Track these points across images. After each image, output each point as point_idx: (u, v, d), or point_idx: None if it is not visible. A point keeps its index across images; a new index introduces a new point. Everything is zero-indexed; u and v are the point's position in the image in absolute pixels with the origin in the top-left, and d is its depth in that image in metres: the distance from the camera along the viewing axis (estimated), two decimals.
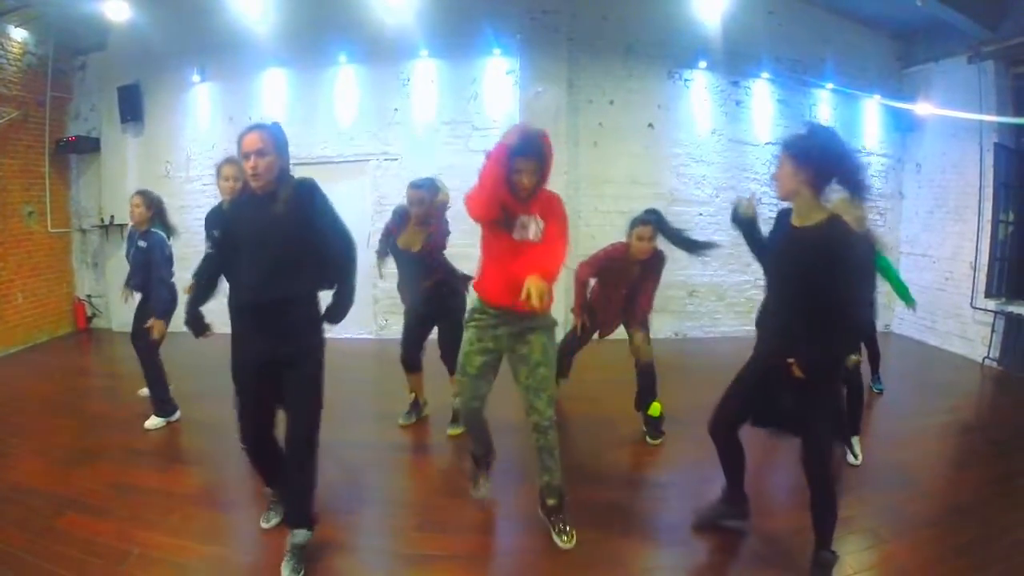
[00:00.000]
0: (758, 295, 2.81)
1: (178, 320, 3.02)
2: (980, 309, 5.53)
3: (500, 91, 5.99)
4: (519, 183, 2.31)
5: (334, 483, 2.90)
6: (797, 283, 2.12)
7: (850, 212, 2.17)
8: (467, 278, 3.21)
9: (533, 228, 2.36)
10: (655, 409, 3.55)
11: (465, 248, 3.14)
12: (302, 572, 2.25)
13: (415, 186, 3.38)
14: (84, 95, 6.59)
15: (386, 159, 6.16)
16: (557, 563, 2.39)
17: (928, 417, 4.08)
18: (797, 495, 2.32)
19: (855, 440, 3.27)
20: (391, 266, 3.64)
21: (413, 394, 3.82)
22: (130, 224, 3.90)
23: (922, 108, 6.02)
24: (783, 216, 2.23)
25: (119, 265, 5.61)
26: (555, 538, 2.51)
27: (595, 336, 3.72)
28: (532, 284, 2.10)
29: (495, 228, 2.38)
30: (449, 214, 3.45)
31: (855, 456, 3.24)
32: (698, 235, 6.16)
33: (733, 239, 6.02)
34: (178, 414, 3.83)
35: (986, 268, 5.50)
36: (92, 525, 2.57)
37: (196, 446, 3.58)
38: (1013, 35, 4.96)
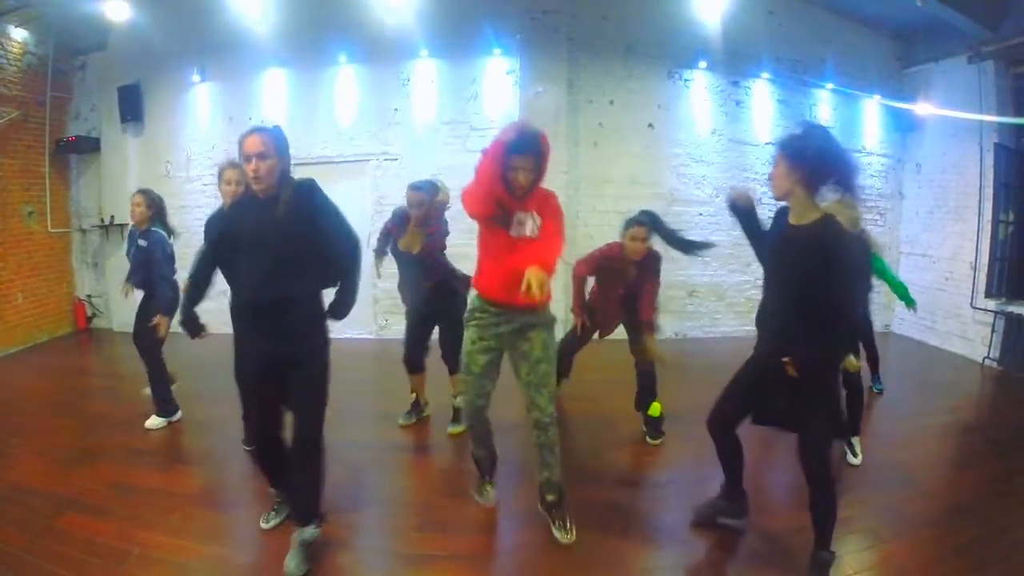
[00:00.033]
0: (758, 295, 2.81)
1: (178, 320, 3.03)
2: (980, 309, 5.53)
3: (500, 91, 5.99)
4: (515, 180, 2.31)
5: (334, 483, 2.88)
6: (794, 282, 2.12)
7: (844, 213, 2.17)
8: (466, 278, 3.22)
9: (530, 225, 2.36)
10: (655, 409, 3.55)
11: (464, 248, 3.14)
12: (308, 567, 2.26)
13: (415, 188, 3.38)
14: (84, 95, 6.59)
15: (386, 159, 6.16)
16: (557, 562, 2.40)
17: (928, 417, 4.08)
18: (797, 494, 2.32)
19: (855, 440, 3.28)
20: (388, 266, 3.64)
21: (414, 394, 3.82)
22: (131, 223, 3.90)
23: (922, 108, 6.02)
24: (781, 215, 2.24)
25: (119, 265, 5.61)
26: (555, 533, 2.53)
27: (595, 336, 3.72)
28: (532, 274, 2.10)
29: (492, 225, 2.38)
30: (448, 213, 3.45)
31: (855, 456, 3.24)
32: (698, 235, 6.22)
33: (733, 239, 6.11)
34: (179, 414, 3.83)
35: (986, 268, 5.50)
36: (92, 525, 2.57)
37: (196, 446, 3.58)
38: (1013, 35, 4.96)
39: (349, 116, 6.18)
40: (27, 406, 4.24)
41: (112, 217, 6.50)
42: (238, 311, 2.34)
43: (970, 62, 5.41)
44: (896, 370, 5.13)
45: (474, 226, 2.48)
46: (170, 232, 3.73)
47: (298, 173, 2.35)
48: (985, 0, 5.01)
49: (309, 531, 2.32)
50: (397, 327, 5.64)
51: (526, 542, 2.58)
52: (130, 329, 3.88)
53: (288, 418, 2.38)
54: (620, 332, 3.64)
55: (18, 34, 5.81)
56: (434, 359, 3.73)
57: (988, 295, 5.47)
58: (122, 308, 6.45)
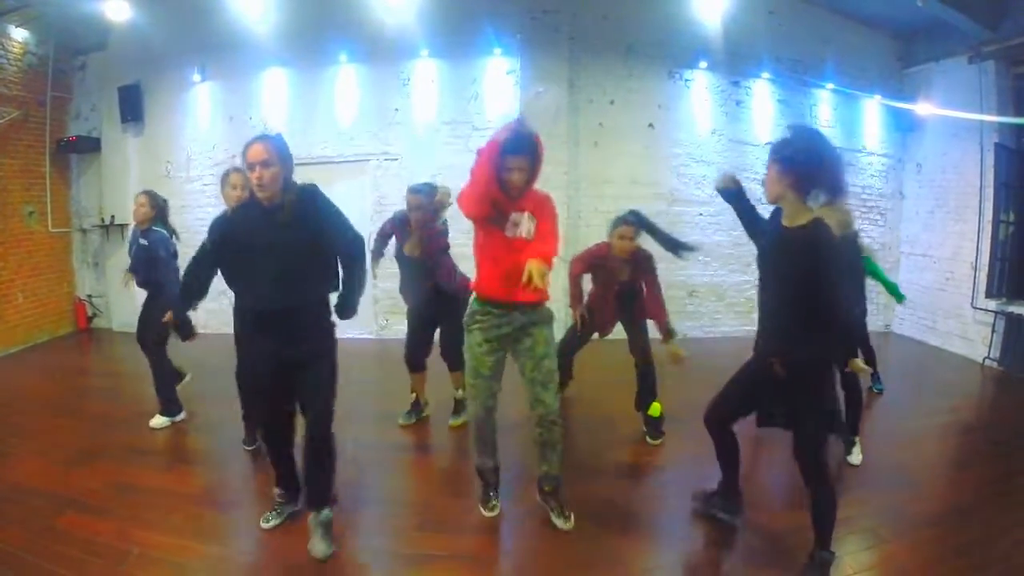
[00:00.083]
0: None
1: None
2: (980, 309, 5.53)
3: (501, 91, 5.99)
4: (510, 180, 2.33)
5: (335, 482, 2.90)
6: (786, 283, 2.15)
7: (834, 215, 2.18)
8: (465, 279, 3.23)
9: (526, 226, 2.38)
10: (655, 409, 3.56)
11: (463, 248, 3.14)
12: (333, 545, 2.37)
13: (413, 191, 3.41)
14: (84, 95, 6.59)
15: (386, 159, 6.16)
16: (557, 562, 2.40)
17: (928, 417, 4.08)
18: (797, 494, 2.32)
19: (855, 440, 3.28)
20: (388, 266, 3.65)
21: (414, 394, 3.82)
22: (133, 223, 3.90)
23: (922, 108, 6.02)
24: (775, 216, 2.26)
25: (119, 265, 5.61)
26: (554, 520, 2.57)
27: (594, 336, 3.73)
28: (533, 266, 2.13)
29: (488, 226, 2.40)
30: (448, 213, 3.45)
31: (854, 456, 3.24)
32: (698, 235, 6.26)
33: (733, 239, 6.12)
34: (183, 414, 3.84)
35: (986, 268, 5.49)
36: (92, 525, 2.57)
37: (197, 446, 3.59)
38: (1014, 35, 4.96)
39: (349, 116, 6.18)
40: (27, 406, 4.24)
41: (112, 217, 6.51)
42: (243, 314, 2.36)
43: (971, 62, 5.41)
44: (896, 370, 5.13)
45: (473, 226, 2.48)
46: (171, 232, 3.74)
47: (298, 173, 2.37)
48: (986, 0, 5.01)
49: (325, 513, 2.41)
50: (397, 327, 5.65)
51: (526, 541, 2.59)
52: (131, 329, 3.89)
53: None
54: (620, 332, 3.64)
55: (19, 34, 5.82)
56: (434, 358, 3.73)
57: (988, 295, 5.46)
58: (122, 308, 6.46)
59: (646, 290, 3.50)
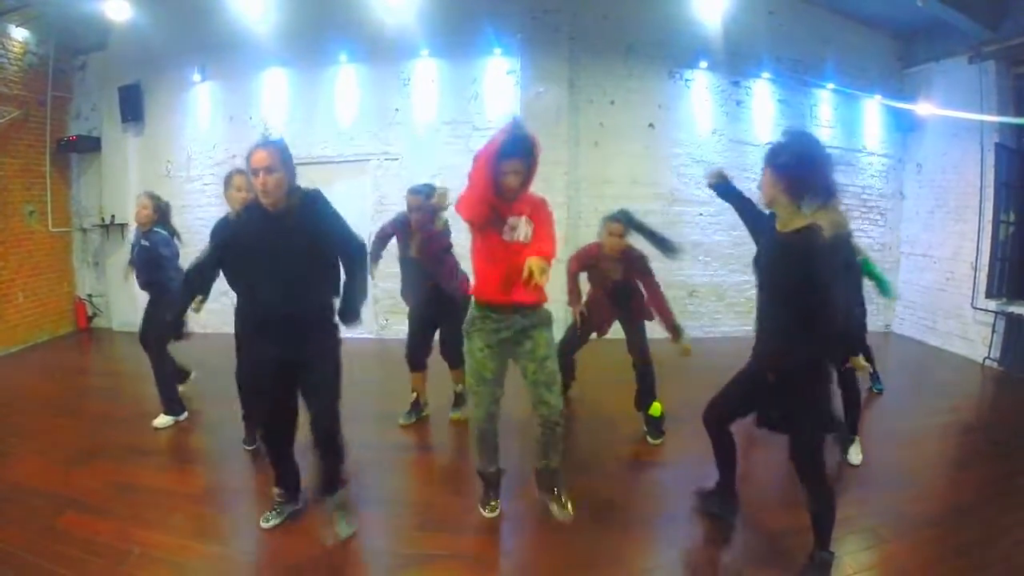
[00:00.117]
0: None
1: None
2: (981, 309, 5.52)
3: (501, 91, 5.99)
4: (505, 183, 2.35)
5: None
6: (780, 287, 2.17)
7: (827, 216, 2.19)
8: (467, 280, 3.23)
9: (523, 229, 2.40)
10: (656, 409, 3.56)
11: (465, 249, 3.14)
12: (354, 526, 2.50)
13: (414, 192, 3.41)
14: (85, 94, 6.59)
15: (386, 159, 6.16)
16: (557, 561, 2.40)
17: (929, 417, 4.08)
18: (797, 494, 2.31)
19: (855, 441, 3.28)
20: (388, 266, 3.66)
21: (415, 394, 3.82)
22: (135, 225, 3.90)
23: (923, 108, 6.02)
24: (771, 219, 2.27)
25: (119, 264, 5.61)
26: (552, 509, 2.61)
27: (593, 336, 3.74)
28: (532, 261, 2.15)
29: (485, 230, 2.41)
30: (448, 213, 3.45)
31: (854, 456, 3.24)
32: (699, 235, 6.26)
33: (733, 239, 6.12)
34: (186, 414, 3.85)
35: (987, 268, 5.49)
36: (92, 524, 2.57)
37: (197, 446, 3.59)
38: (1014, 35, 4.96)
39: (349, 116, 6.18)
40: (27, 406, 4.24)
41: (113, 216, 6.51)
42: (245, 316, 2.37)
43: (971, 62, 5.41)
44: (896, 370, 5.14)
45: (470, 231, 2.50)
46: (173, 234, 3.74)
47: (298, 173, 2.38)
48: (986, 0, 5.01)
49: (340, 493, 2.53)
50: (397, 327, 5.65)
51: (527, 541, 2.60)
52: (131, 329, 3.90)
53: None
54: (620, 332, 3.64)
55: (19, 34, 5.81)
56: (434, 357, 3.74)
57: (989, 295, 5.46)
58: (123, 307, 6.47)
59: (645, 291, 3.51)
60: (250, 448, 3.34)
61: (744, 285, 6.36)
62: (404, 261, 3.59)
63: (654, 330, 3.59)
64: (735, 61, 6.13)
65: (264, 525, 2.56)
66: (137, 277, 3.76)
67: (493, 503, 2.73)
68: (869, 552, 2.44)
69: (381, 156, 6.16)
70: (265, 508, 2.63)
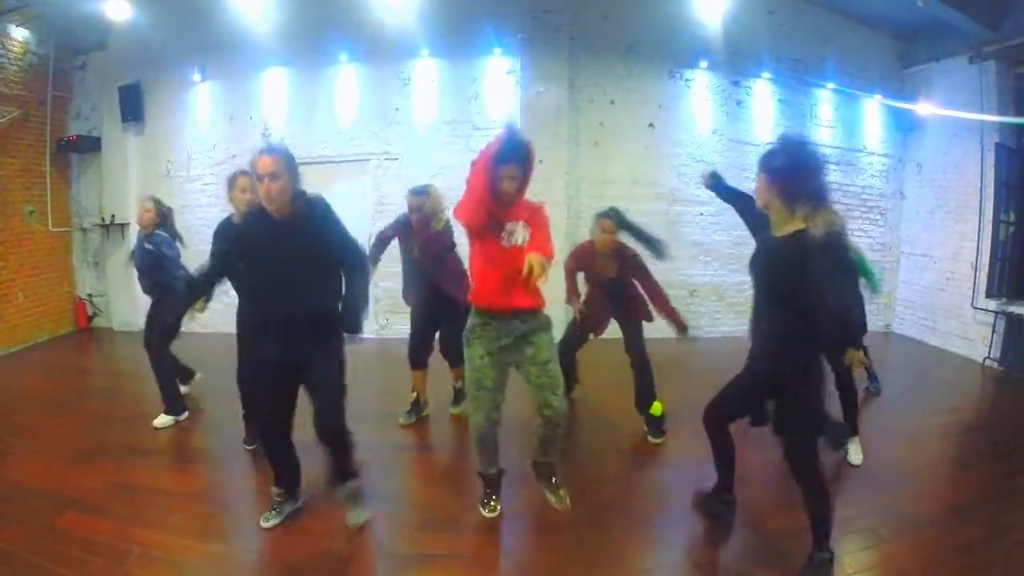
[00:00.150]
0: None
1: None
2: (981, 309, 5.52)
3: (501, 91, 5.98)
4: (501, 188, 2.37)
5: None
6: (773, 290, 2.18)
7: (822, 217, 2.19)
8: (467, 281, 3.23)
9: (521, 234, 2.42)
10: (656, 408, 3.56)
11: (465, 250, 3.15)
12: (368, 513, 2.54)
13: (414, 192, 3.42)
14: (85, 94, 6.59)
15: (387, 159, 6.16)
16: (558, 561, 2.40)
17: (929, 417, 4.08)
18: (797, 495, 2.31)
19: (855, 440, 3.28)
20: (388, 266, 3.66)
21: (415, 393, 3.82)
22: (138, 227, 3.90)
23: (923, 108, 6.02)
24: (768, 222, 2.27)
25: (120, 264, 5.62)
26: (548, 497, 2.67)
27: (592, 335, 3.74)
28: (532, 257, 2.18)
29: (483, 235, 2.42)
30: (449, 213, 3.46)
31: (848, 454, 3.24)
32: (699, 235, 6.25)
33: (733, 239, 6.12)
34: (187, 414, 3.85)
35: (987, 268, 5.49)
36: (92, 524, 2.57)
37: (197, 445, 3.59)
38: (1014, 35, 4.96)
39: (349, 116, 6.18)
40: (27, 406, 4.24)
41: (113, 216, 6.50)
42: (247, 317, 2.38)
43: (971, 62, 5.41)
44: (897, 370, 5.14)
45: (468, 238, 2.51)
46: (175, 237, 3.75)
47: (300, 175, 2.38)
48: (986, 0, 5.00)
49: (352, 483, 2.55)
50: (397, 327, 5.66)
51: (527, 541, 2.60)
52: (130, 328, 3.91)
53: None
54: (617, 332, 3.64)
55: (19, 33, 5.81)
56: (434, 356, 3.74)
57: (989, 295, 5.46)
58: (123, 307, 6.46)
59: (643, 289, 3.52)
60: (250, 448, 3.34)
61: (744, 285, 6.32)
62: (406, 262, 3.60)
63: (652, 330, 3.59)
64: (735, 61, 6.13)
65: (264, 525, 2.56)
66: (140, 281, 3.77)
67: (493, 503, 2.73)
68: (869, 552, 2.44)
69: (381, 156, 6.16)
70: (265, 508, 2.63)
